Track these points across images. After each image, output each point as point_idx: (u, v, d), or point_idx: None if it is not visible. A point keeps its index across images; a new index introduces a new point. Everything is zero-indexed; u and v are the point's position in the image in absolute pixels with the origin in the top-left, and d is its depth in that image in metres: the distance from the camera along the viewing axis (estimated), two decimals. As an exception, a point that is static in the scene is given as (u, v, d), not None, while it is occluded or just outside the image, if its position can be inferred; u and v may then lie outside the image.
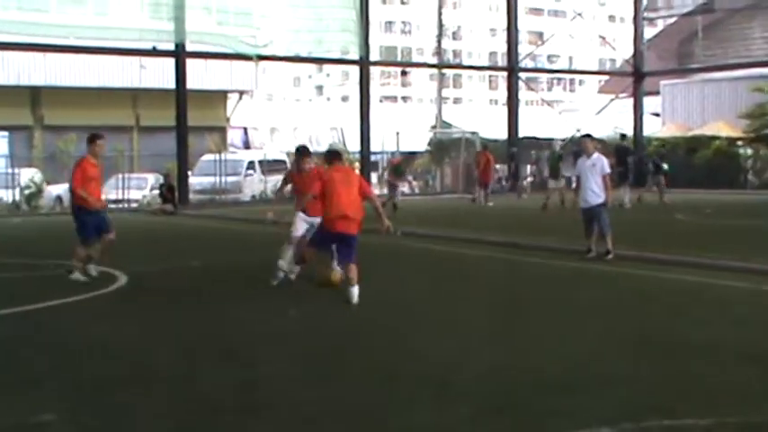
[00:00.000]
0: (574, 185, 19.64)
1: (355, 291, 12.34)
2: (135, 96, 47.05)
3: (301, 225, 14.11)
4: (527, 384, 8.05)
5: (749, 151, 45.72)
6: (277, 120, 60.84)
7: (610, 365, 8.78)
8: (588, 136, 18.36)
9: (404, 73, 77.41)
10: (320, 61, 48.00)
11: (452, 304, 12.63)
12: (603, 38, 70.96)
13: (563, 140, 40.23)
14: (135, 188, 39.49)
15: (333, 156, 13.71)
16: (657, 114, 54.78)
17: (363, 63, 41.11)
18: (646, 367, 8.71)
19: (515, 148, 43.01)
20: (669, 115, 53.65)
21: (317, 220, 13.49)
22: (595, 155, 17.39)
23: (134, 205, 37.94)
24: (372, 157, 42.62)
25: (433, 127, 51.72)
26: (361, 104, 41.07)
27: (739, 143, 45.88)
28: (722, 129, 46.65)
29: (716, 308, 12.32)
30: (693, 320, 11.34)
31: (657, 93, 54.14)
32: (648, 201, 32.72)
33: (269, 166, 42.52)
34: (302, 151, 15.10)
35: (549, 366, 8.69)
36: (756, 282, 13.95)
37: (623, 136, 39.73)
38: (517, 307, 12.47)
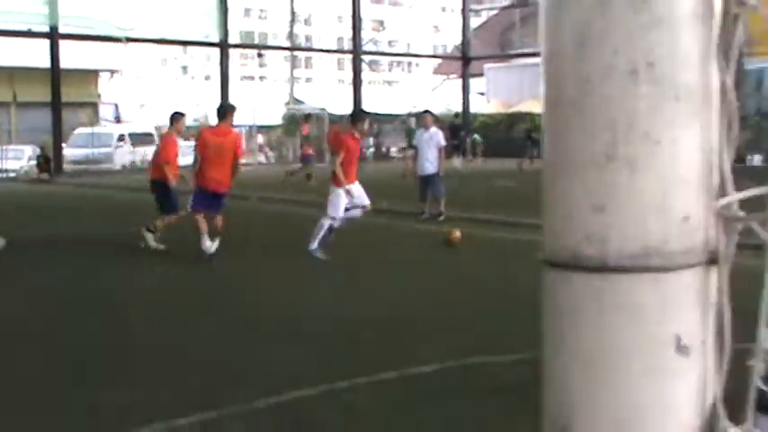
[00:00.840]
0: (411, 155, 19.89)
1: (216, 243, 12.55)
2: (11, 74, 45.28)
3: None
4: (365, 328, 8.22)
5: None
6: (145, 97, 59.57)
7: (439, 311, 9.03)
8: (428, 112, 18.59)
9: (260, 55, 76.86)
10: (184, 43, 47.10)
11: (302, 261, 12.66)
12: (436, 27, 71.76)
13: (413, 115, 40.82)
14: (13, 159, 38.41)
15: (228, 110, 13.48)
16: (483, 93, 55.77)
17: (223, 45, 40.74)
18: (469, 313, 9.01)
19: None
20: (493, 94, 54.63)
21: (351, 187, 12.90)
22: (433, 129, 17.67)
23: (12, 174, 36.89)
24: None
25: (287, 103, 51.50)
26: (221, 83, 40.65)
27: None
28: (536, 106, 47.75)
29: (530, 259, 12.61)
30: (513, 270, 11.57)
31: (482, 75, 55.14)
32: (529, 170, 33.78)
33: (138, 139, 42.01)
34: (361, 115, 13.90)
35: (380, 312, 8.89)
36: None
37: (457, 114, 40.62)
38: (360, 263, 12.62)
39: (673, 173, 1.47)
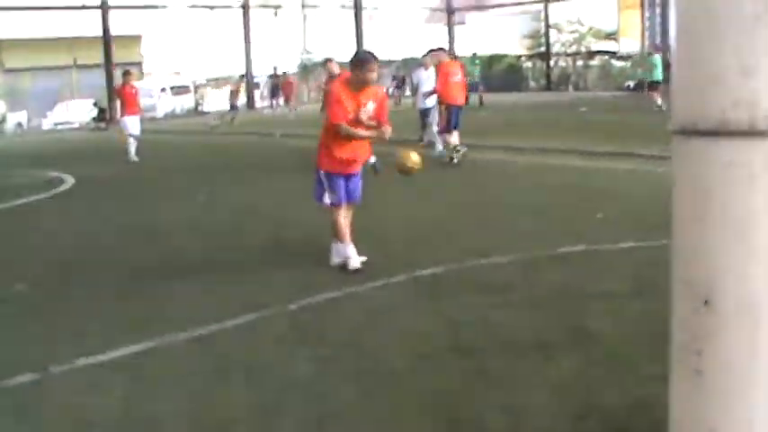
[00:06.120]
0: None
1: None
2: (72, 42, 44.65)
3: None
4: (390, 240, 8.17)
5: (529, 64, 46.81)
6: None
7: (445, 224, 9.05)
8: (442, 49, 16.52)
9: (276, 14, 75.70)
10: (212, 8, 45.98)
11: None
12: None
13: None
14: (76, 111, 38.86)
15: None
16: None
17: (245, 7, 41.04)
18: (468, 223, 9.02)
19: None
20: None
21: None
22: (431, 69, 15.70)
23: (75, 125, 37.24)
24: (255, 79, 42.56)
25: (301, 54, 50.87)
26: (245, 39, 40.95)
27: (522, 59, 46.80)
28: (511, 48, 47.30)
29: (516, 177, 12.65)
30: (504, 188, 11.66)
31: (464, 23, 54.51)
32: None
33: (177, 90, 42.73)
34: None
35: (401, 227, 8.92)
36: (542, 156, 14.56)
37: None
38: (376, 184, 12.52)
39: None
